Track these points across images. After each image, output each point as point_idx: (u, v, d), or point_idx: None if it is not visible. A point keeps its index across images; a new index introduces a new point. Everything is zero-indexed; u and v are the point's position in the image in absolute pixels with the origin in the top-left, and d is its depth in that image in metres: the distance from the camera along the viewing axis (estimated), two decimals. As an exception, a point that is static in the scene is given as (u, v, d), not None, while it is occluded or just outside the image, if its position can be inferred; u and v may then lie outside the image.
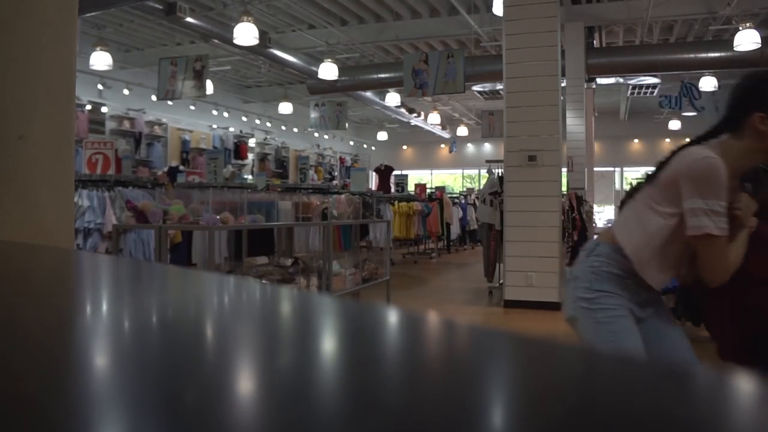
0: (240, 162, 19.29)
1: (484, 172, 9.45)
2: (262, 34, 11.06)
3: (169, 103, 14.66)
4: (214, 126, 18.79)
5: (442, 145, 26.30)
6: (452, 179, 27.54)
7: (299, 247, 7.84)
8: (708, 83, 13.57)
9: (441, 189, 15.67)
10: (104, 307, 0.50)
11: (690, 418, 0.23)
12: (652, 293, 2.19)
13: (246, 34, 9.82)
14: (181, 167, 15.27)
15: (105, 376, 0.29)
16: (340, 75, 13.01)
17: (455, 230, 15.02)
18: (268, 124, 20.80)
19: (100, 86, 14.63)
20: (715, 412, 0.24)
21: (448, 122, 23.66)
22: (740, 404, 0.26)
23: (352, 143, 26.34)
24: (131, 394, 0.26)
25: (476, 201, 14.81)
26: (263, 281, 4.89)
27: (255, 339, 0.38)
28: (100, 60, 11.00)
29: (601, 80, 15.14)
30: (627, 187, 18.18)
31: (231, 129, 19.37)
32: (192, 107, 17.33)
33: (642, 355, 0.29)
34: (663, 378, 0.28)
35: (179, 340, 0.37)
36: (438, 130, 23.26)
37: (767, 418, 0.23)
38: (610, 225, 2.51)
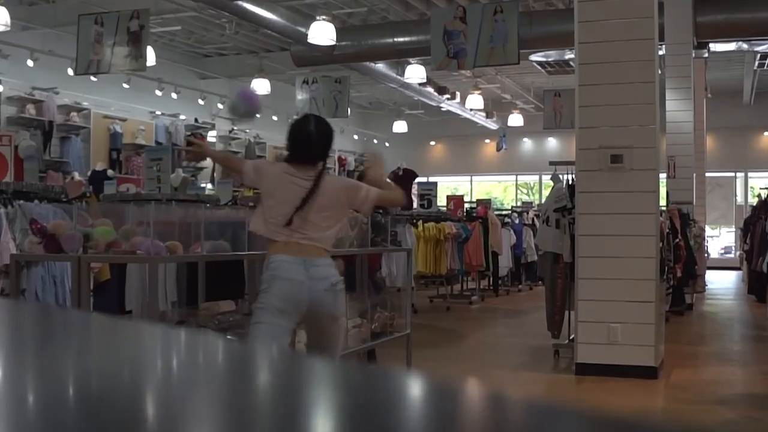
0: (195, 164, 19.37)
1: (547, 179, 9.48)
2: (228, -19, 11.14)
3: (93, 79, 14.76)
4: (158, 112, 18.90)
5: (487, 140, 26.30)
6: (501, 189, 27.61)
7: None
8: None
9: (485, 203, 15.67)
10: (-1, 374, 0.50)
11: None
12: None
13: (204, -20, 9.89)
14: (110, 171, 15.35)
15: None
16: (339, 39, 13.03)
17: (506, 263, 15.01)
18: (236, 110, 20.88)
19: (-8, 55, 14.77)
20: None
21: (495, 107, 23.68)
22: None
23: (356, 137, 26.39)
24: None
25: (536, 221, 14.78)
26: (228, 336, 4.88)
27: (218, 424, 0.38)
28: (-6, 18, 11.09)
29: (716, 46, 15.13)
30: (754, 201, 18.00)
31: (182, 117, 19.46)
32: (126, 85, 17.39)
33: None
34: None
35: (106, 423, 0.37)
36: (481, 119, 23.30)
37: None
38: None
